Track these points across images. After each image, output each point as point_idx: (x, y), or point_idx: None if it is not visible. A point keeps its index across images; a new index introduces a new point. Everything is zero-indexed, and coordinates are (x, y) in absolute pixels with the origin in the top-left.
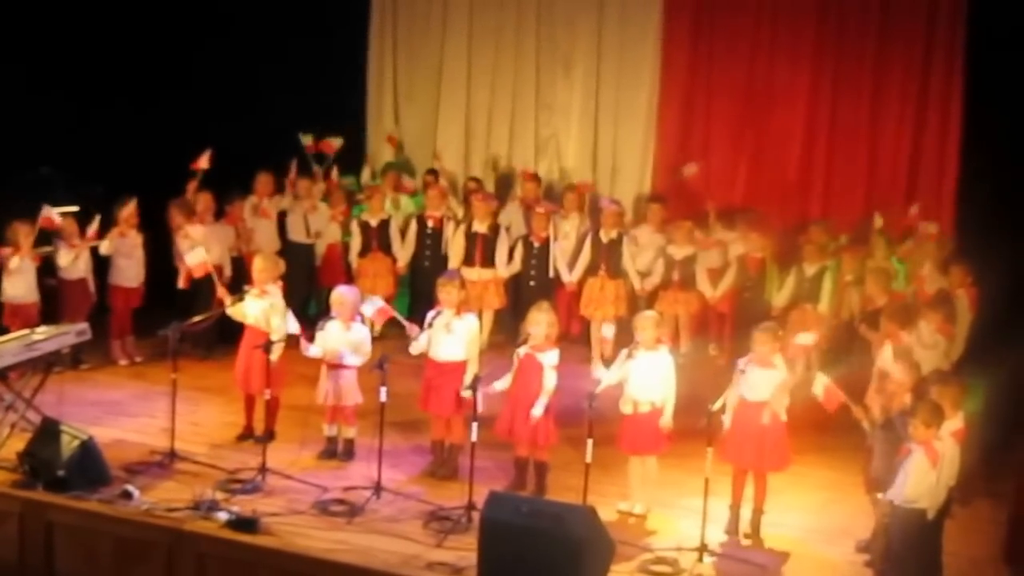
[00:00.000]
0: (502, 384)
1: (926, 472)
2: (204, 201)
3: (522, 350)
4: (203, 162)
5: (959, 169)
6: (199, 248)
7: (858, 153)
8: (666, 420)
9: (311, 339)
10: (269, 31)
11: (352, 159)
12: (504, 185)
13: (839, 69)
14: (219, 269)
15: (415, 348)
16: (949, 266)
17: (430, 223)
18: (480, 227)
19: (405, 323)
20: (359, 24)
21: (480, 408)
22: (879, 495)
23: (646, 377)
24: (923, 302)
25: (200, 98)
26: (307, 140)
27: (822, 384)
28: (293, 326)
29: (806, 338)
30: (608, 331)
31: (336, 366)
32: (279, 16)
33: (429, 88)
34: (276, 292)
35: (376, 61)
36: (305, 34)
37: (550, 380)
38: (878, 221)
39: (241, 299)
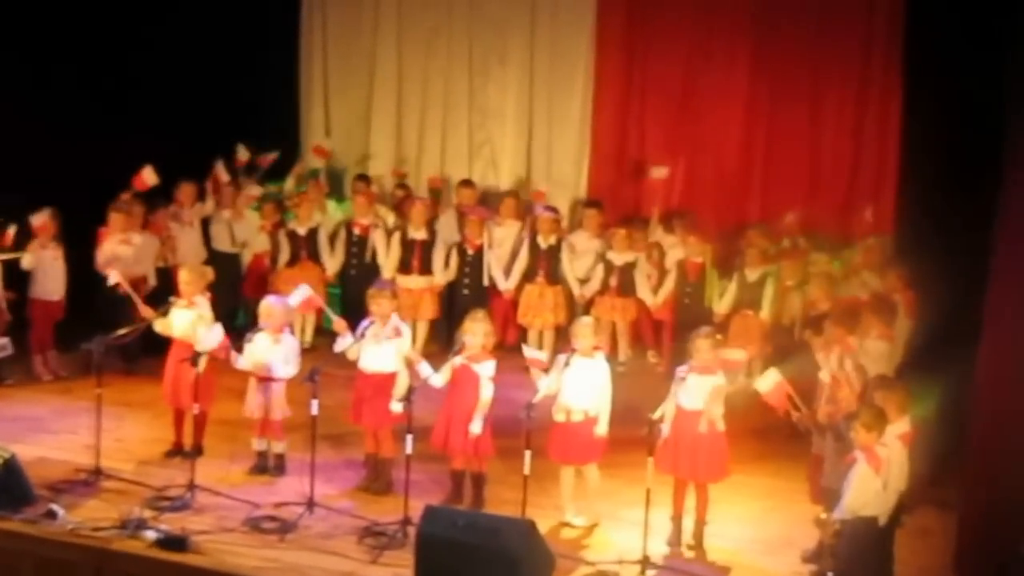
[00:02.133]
0: (437, 378)
1: (870, 479)
2: (136, 211)
3: (458, 360)
4: (148, 179)
5: (899, 172)
6: (112, 272)
7: (797, 156)
8: (601, 429)
9: (240, 350)
10: (196, 38)
11: (282, 166)
12: (435, 191)
13: (777, 71)
14: (143, 280)
15: (340, 346)
16: (885, 270)
17: (356, 231)
18: (417, 233)
19: (333, 316)
20: (290, 28)
21: (412, 403)
22: (822, 515)
23: (580, 385)
24: (864, 307)
25: (124, 107)
26: (244, 155)
27: (773, 380)
28: (213, 339)
29: (737, 354)
30: (539, 354)
31: (265, 379)
32: (207, 22)
33: (360, 93)
34: (204, 303)
35: (306, 64)
36: (234, 40)
37: (487, 392)
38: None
39: (165, 313)
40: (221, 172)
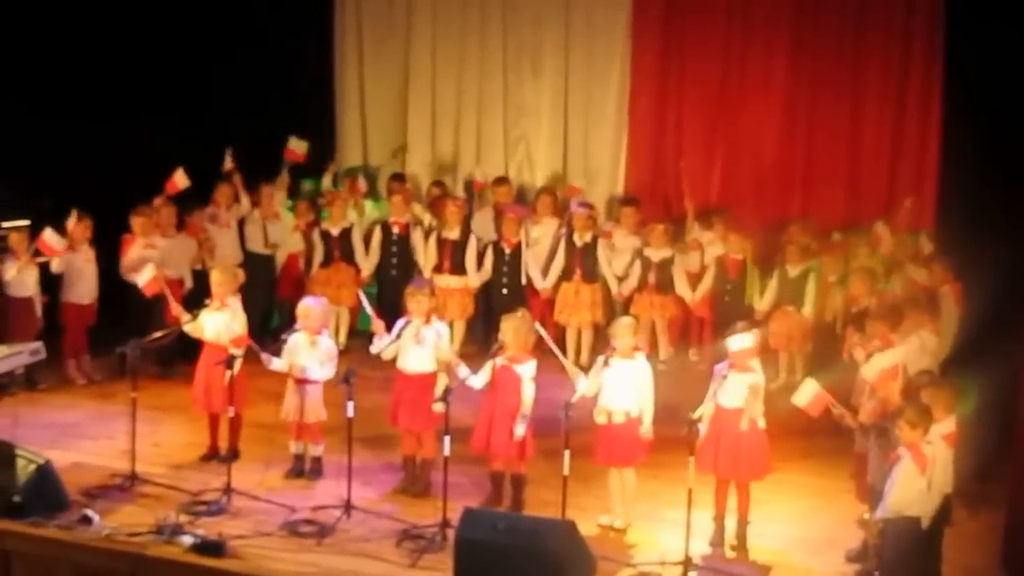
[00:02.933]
0: (477, 381)
1: (914, 478)
2: (167, 213)
3: (499, 361)
4: (179, 182)
5: (940, 164)
6: (149, 265)
7: (838, 149)
8: (646, 430)
9: (276, 353)
10: (230, 38)
11: (316, 165)
12: (471, 189)
13: (816, 64)
14: (179, 283)
15: (377, 347)
16: (931, 263)
17: (395, 230)
18: (450, 233)
19: (372, 316)
20: (324, 29)
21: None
22: (865, 516)
23: (620, 386)
24: (906, 302)
25: (158, 109)
26: (300, 147)
27: (812, 390)
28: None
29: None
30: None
31: (301, 381)
32: (241, 23)
33: (395, 91)
34: (236, 305)
35: (341, 64)
36: (269, 41)
37: (529, 393)
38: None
39: (195, 316)
40: (228, 161)
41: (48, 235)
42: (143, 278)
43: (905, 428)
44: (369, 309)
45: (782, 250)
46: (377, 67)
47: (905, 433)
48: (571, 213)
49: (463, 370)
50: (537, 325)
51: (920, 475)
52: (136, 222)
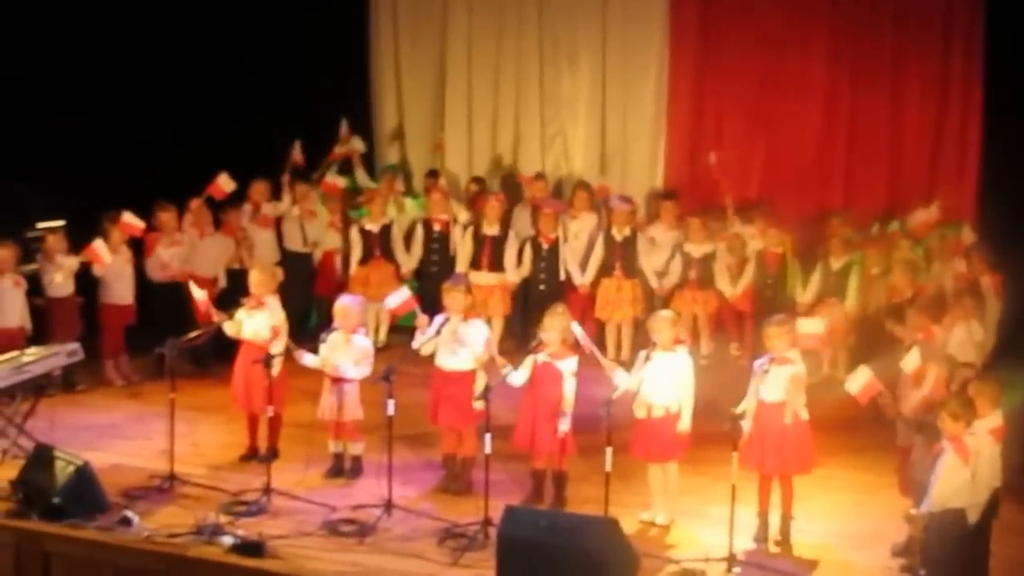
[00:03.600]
0: (517, 376)
1: (957, 470)
2: (204, 213)
3: (540, 357)
4: (224, 185)
5: (981, 154)
6: (196, 292)
7: (878, 141)
8: (684, 425)
9: (315, 351)
10: (263, 33)
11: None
12: (510, 185)
13: (856, 55)
14: (213, 282)
15: (418, 343)
16: (970, 255)
17: (436, 227)
18: (490, 229)
19: (419, 315)
20: (359, 24)
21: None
22: (911, 511)
23: (661, 379)
24: (950, 293)
25: (187, 107)
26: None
27: (865, 378)
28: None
29: (813, 325)
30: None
31: (338, 380)
32: (274, 18)
33: (432, 88)
34: (275, 304)
35: (377, 61)
36: (304, 35)
37: (571, 389)
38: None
39: (231, 316)
40: (298, 154)
41: (98, 244)
42: (197, 296)
43: (947, 420)
44: (416, 309)
45: (824, 243)
46: (413, 64)
47: (947, 425)
48: (610, 208)
49: (506, 368)
50: (574, 324)
51: (963, 467)
52: (162, 218)
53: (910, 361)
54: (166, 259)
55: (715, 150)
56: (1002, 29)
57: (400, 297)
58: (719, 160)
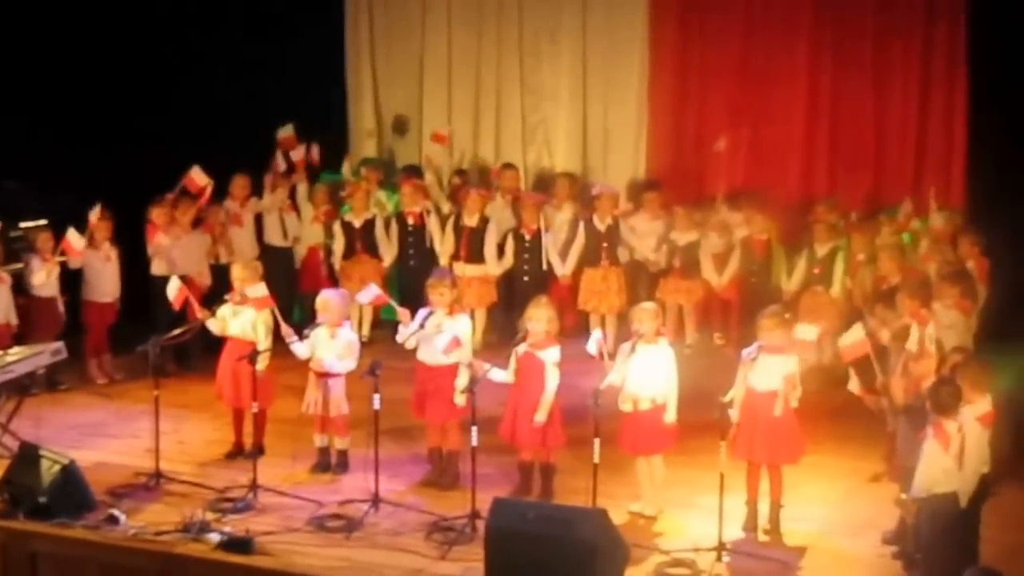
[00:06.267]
0: (502, 375)
1: (938, 456)
2: (183, 209)
3: (521, 348)
4: (198, 179)
5: (968, 140)
6: (172, 279)
7: (863, 126)
8: (670, 416)
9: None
10: (239, 27)
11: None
12: (489, 178)
13: (838, 41)
14: (195, 282)
15: (402, 336)
16: (958, 239)
17: (410, 220)
18: (469, 220)
19: (396, 307)
20: (335, 13)
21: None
22: (902, 496)
23: (645, 372)
24: (937, 276)
25: (171, 103)
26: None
27: (859, 335)
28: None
29: (808, 332)
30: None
31: (323, 374)
32: (250, 15)
33: (410, 78)
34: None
35: (353, 51)
36: (278, 28)
37: (552, 379)
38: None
39: (214, 313)
40: (280, 162)
41: (71, 235)
42: (170, 292)
43: (931, 406)
44: (393, 303)
45: (809, 229)
46: (390, 53)
47: (932, 411)
48: (593, 196)
49: (484, 368)
50: (595, 332)
51: (943, 453)
52: (156, 213)
53: (912, 338)
54: (166, 247)
55: (702, 139)
56: (987, 12)
57: (370, 293)
58: (727, 146)
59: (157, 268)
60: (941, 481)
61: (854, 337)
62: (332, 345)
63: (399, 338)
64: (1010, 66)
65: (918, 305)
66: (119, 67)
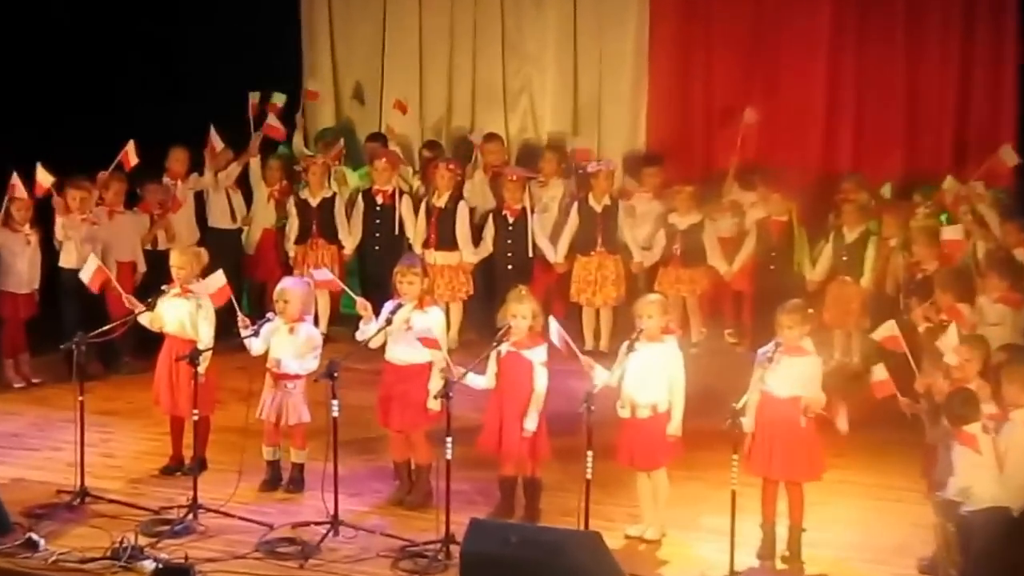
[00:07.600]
0: (482, 381)
1: (974, 461)
2: (116, 188)
3: (503, 348)
4: (131, 157)
5: (1018, 112)
6: (91, 257)
7: (893, 95)
8: (674, 428)
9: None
10: None
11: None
12: (464, 150)
13: None
14: (131, 266)
15: (362, 334)
16: (1004, 224)
17: (379, 199)
18: (438, 201)
19: (356, 299)
20: None
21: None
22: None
23: (647, 374)
24: (983, 264)
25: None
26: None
27: (891, 330)
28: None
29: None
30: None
31: (280, 376)
32: None
33: (372, 36)
34: (202, 290)
35: (308, 7)
36: None
37: (541, 381)
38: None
39: (152, 306)
40: (216, 140)
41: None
42: (86, 273)
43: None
44: (352, 294)
45: (836, 210)
46: (350, 9)
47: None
48: (587, 173)
49: (460, 370)
50: (555, 327)
51: (977, 456)
52: (71, 195)
53: (949, 340)
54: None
55: (711, 108)
56: None
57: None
58: (753, 117)
59: (66, 259)
60: (994, 491)
61: (886, 333)
62: (291, 342)
63: (359, 336)
64: None
65: (952, 300)
66: (68, 41)
